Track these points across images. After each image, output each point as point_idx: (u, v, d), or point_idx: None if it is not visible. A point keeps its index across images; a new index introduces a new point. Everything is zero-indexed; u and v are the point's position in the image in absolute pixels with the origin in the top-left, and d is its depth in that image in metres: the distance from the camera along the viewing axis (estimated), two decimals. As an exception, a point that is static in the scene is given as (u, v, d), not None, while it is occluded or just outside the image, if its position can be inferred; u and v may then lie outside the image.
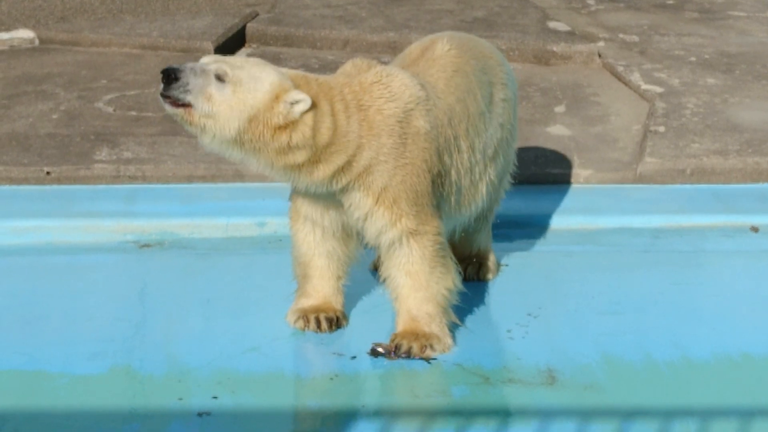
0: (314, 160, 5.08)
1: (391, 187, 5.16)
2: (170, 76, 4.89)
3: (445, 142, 5.29)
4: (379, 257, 5.88)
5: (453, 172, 5.36)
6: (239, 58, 5.09)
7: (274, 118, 4.96)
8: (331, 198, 5.26)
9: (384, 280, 5.42)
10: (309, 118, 5.00)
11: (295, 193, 5.40)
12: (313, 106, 5.00)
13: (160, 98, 4.94)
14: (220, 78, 4.93)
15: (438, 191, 5.30)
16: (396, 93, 5.16)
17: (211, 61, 4.98)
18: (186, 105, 4.92)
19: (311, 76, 5.15)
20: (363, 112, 5.12)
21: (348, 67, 5.32)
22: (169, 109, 4.95)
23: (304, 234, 5.46)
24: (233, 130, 4.94)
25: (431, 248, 5.28)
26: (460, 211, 5.52)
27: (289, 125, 4.98)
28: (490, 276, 6.04)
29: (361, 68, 5.29)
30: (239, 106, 4.93)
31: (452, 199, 5.41)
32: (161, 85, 4.91)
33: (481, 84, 5.52)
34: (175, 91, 4.89)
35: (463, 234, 5.87)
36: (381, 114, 5.13)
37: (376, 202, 5.18)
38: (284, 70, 5.11)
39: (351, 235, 5.45)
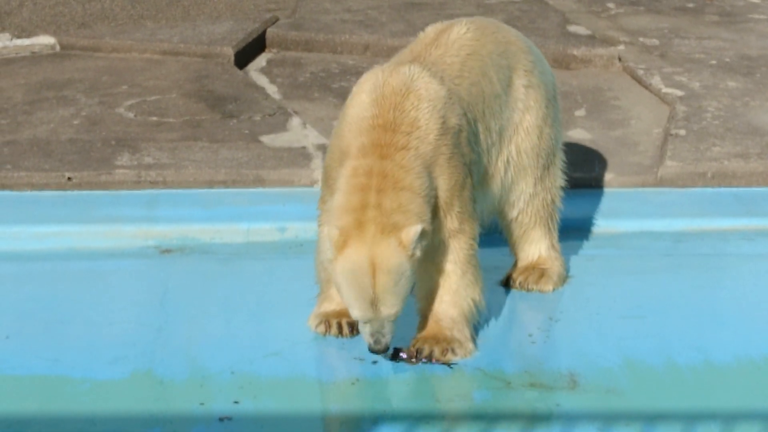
0: None
1: (446, 190, 5.15)
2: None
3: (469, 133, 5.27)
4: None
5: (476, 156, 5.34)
6: None
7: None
8: None
9: None
10: None
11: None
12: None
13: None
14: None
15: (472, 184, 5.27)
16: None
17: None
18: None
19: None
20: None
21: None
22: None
23: None
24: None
25: (466, 251, 5.24)
26: (482, 190, 5.47)
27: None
28: (550, 287, 5.92)
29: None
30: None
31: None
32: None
33: (499, 67, 5.49)
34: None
35: (512, 236, 5.90)
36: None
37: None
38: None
39: None
